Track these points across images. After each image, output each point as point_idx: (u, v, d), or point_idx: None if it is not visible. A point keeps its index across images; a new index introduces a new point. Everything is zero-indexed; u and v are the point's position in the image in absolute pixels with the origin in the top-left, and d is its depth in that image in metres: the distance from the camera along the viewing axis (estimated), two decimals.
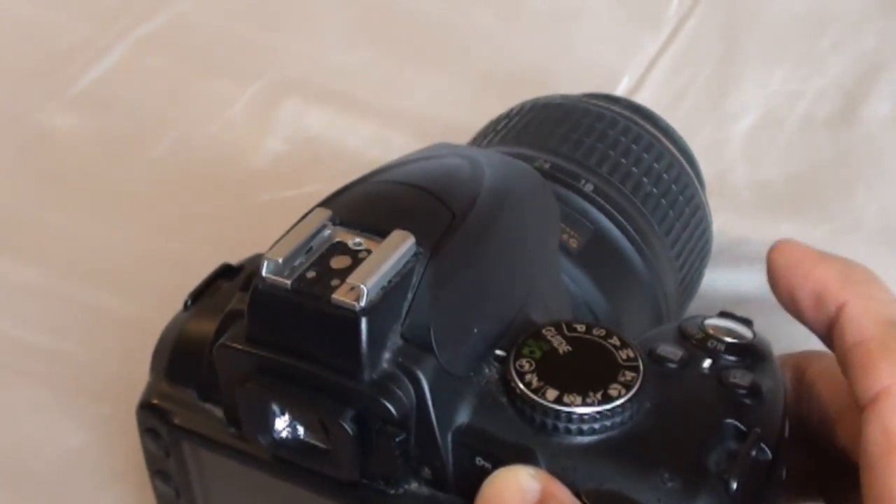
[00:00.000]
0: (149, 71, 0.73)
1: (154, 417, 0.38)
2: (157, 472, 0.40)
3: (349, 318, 0.32)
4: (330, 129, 0.68)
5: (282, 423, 0.34)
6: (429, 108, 0.67)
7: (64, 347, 0.55)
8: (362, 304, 0.32)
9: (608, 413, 0.32)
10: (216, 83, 0.72)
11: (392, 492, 0.34)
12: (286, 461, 0.35)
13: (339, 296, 0.32)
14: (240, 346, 0.34)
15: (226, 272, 0.40)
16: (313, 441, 0.34)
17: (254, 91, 0.71)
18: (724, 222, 0.55)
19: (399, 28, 0.75)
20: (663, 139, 0.48)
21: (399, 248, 0.33)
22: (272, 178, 0.64)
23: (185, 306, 0.39)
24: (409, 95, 0.69)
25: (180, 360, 0.38)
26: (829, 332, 0.33)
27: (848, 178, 0.61)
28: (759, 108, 0.67)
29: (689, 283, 0.48)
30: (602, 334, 0.34)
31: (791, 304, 0.34)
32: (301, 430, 0.34)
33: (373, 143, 0.65)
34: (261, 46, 0.74)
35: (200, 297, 0.39)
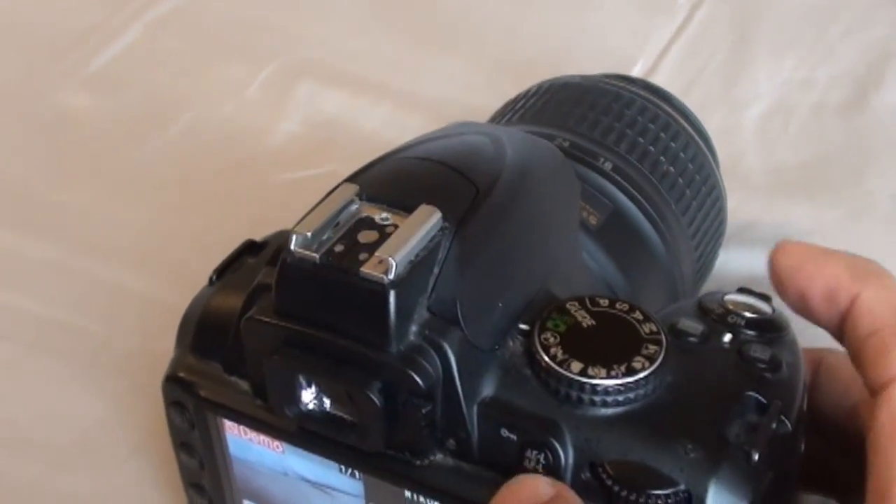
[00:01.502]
0: (163, 53, 0.74)
1: (180, 390, 0.39)
2: (182, 444, 0.40)
3: (378, 291, 0.32)
4: (345, 111, 0.68)
5: (308, 396, 0.35)
6: (443, 91, 0.68)
7: (83, 323, 0.56)
8: (391, 276, 0.32)
9: (632, 385, 0.33)
10: (231, 65, 0.72)
11: (418, 463, 0.34)
12: (312, 433, 0.35)
13: (368, 269, 0.32)
14: (268, 319, 0.34)
15: (250, 248, 0.40)
16: (340, 413, 0.34)
17: (268, 73, 0.71)
18: (738, 204, 0.55)
19: (413, 12, 0.76)
20: (680, 119, 0.49)
21: (426, 222, 0.33)
22: (287, 158, 0.65)
23: (211, 282, 0.40)
24: (424, 78, 0.70)
25: (206, 334, 0.39)
26: (840, 326, 0.34)
27: (860, 164, 0.62)
28: (771, 95, 0.68)
29: (705, 262, 0.48)
30: (625, 309, 0.35)
31: (801, 304, 0.35)
32: (327, 402, 0.35)
33: (388, 125, 0.66)
34: (275, 29, 0.75)
35: (225, 272, 0.40)
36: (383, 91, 0.69)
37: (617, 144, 0.46)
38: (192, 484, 0.41)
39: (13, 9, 0.78)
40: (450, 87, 0.68)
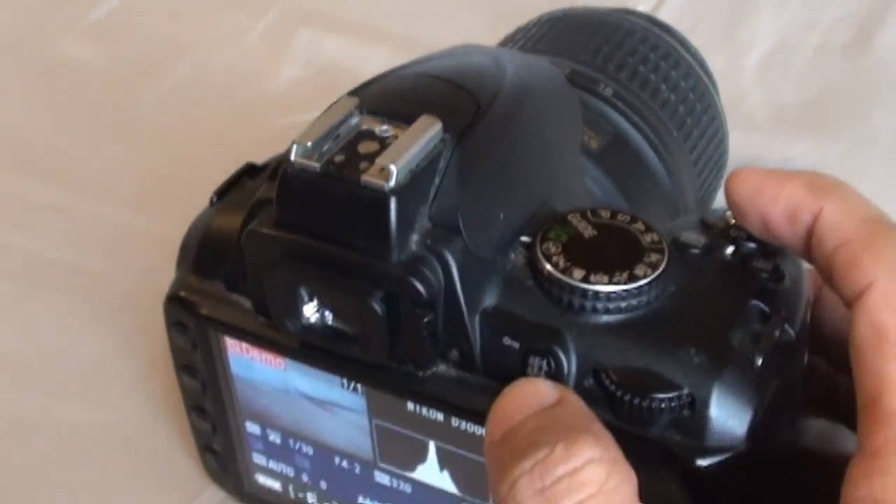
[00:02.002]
0: (163, 2, 0.74)
1: (182, 310, 0.39)
2: (184, 367, 0.41)
3: (379, 199, 0.32)
4: (346, 56, 0.68)
5: (310, 309, 0.35)
6: (444, 36, 0.66)
7: (85, 263, 0.56)
8: (391, 184, 0.32)
9: (634, 292, 0.33)
10: (231, 13, 0.72)
11: (420, 374, 0.34)
12: (314, 347, 0.35)
13: (369, 177, 0.32)
14: (268, 231, 0.34)
15: (250, 171, 0.40)
16: (342, 326, 0.35)
17: (269, 21, 0.71)
18: (740, 142, 0.55)
19: None
20: (681, 49, 0.49)
21: (426, 132, 0.33)
22: (289, 103, 0.65)
23: (211, 203, 0.40)
24: (424, 24, 0.69)
25: (207, 253, 0.39)
26: (807, 244, 0.33)
27: (861, 102, 0.62)
28: (774, 37, 0.68)
29: (707, 191, 0.48)
30: (627, 220, 0.35)
31: (764, 228, 0.34)
32: (329, 315, 0.35)
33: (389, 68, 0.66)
34: None
35: (226, 194, 0.40)
36: (383, 36, 0.69)
37: (618, 72, 0.46)
38: (195, 407, 0.42)
39: None
40: (450, 32, 0.67)
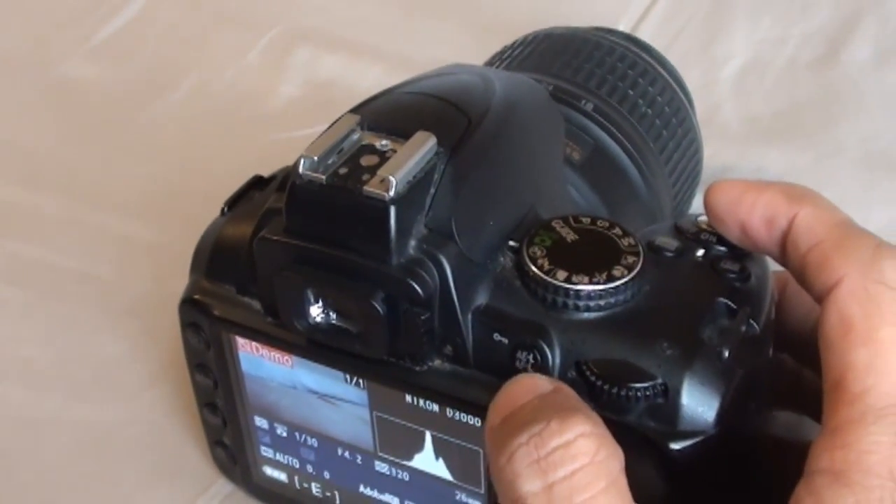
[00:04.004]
0: (165, 23, 0.76)
1: (196, 311, 0.42)
2: (198, 365, 0.43)
3: (380, 207, 0.35)
4: (341, 73, 0.71)
5: (316, 310, 0.38)
6: (434, 54, 0.69)
7: (96, 271, 0.59)
8: (391, 194, 0.35)
9: (612, 291, 0.36)
10: (231, 34, 0.75)
11: (417, 368, 0.37)
12: (320, 345, 0.38)
13: (371, 187, 0.35)
14: (278, 238, 0.37)
15: (257, 183, 0.43)
16: (345, 325, 0.37)
17: (267, 40, 0.74)
18: (715, 152, 0.58)
19: None
20: (658, 67, 0.52)
21: (423, 146, 0.36)
22: (288, 118, 0.67)
23: (223, 212, 0.42)
24: (416, 42, 0.72)
25: (220, 259, 0.41)
26: (783, 248, 0.36)
27: (830, 113, 0.65)
28: (748, 52, 0.71)
29: (682, 199, 0.51)
30: (605, 225, 0.38)
31: (743, 234, 0.37)
32: (333, 314, 0.38)
33: (383, 86, 0.68)
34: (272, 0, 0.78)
35: (235, 204, 0.43)
36: (377, 54, 0.72)
37: (598, 88, 0.49)
38: (207, 403, 0.44)
39: None
40: (441, 50, 0.70)
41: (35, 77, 0.73)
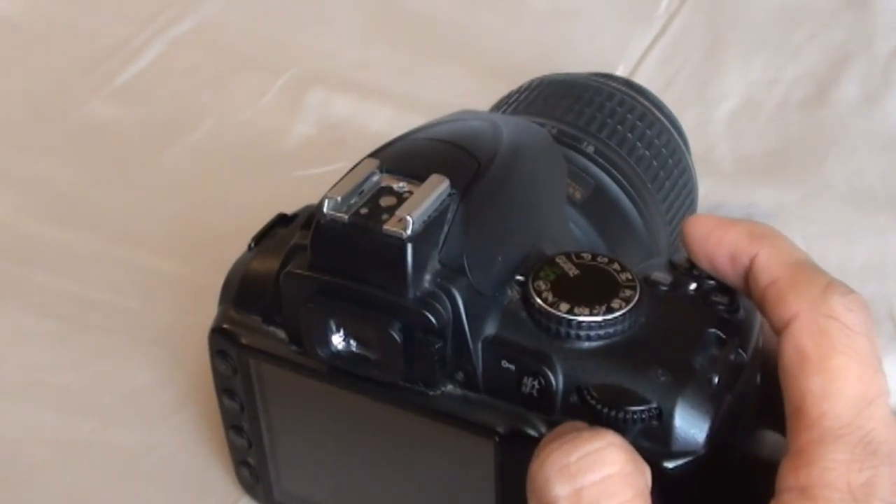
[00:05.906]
0: (184, 67, 0.79)
1: (224, 340, 0.44)
2: (225, 390, 0.46)
3: (398, 245, 0.38)
4: (353, 114, 0.74)
5: (338, 339, 0.40)
6: (442, 95, 0.73)
7: (123, 303, 0.61)
8: (408, 232, 0.38)
9: (611, 321, 0.38)
10: (246, 77, 0.78)
11: (431, 393, 0.40)
12: (340, 371, 0.41)
13: (390, 226, 0.38)
14: (304, 272, 0.40)
15: (282, 220, 0.46)
16: (364, 352, 0.40)
17: (282, 83, 0.76)
18: (709, 189, 0.61)
19: (412, 27, 0.81)
20: (655, 110, 0.54)
21: (437, 188, 0.39)
22: (302, 157, 0.70)
23: (249, 248, 0.45)
24: (424, 85, 0.75)
25: (247, 291, 0.44)
26: (746, 283, 0.39)
27: (819, 152, 0.68)
28: (741, 94, 0.73)
29: (678, 236, 0.54)
30: (605, 261, 0.40)
31: (711, 266, 0.39)
32: (354, 343, 0.40)
33: (392, 126, 0.70)
34: (286, 45, 0.80)
35: (262, 240, 0.45)
36: (387, 96, 0.75)
37: (599, 131, 0.51)
38: (233, 426, 0.47)
39: (46, 31, 0.83)
40: (448, 92, 0.73)
41: (61, 118, 0.75)
